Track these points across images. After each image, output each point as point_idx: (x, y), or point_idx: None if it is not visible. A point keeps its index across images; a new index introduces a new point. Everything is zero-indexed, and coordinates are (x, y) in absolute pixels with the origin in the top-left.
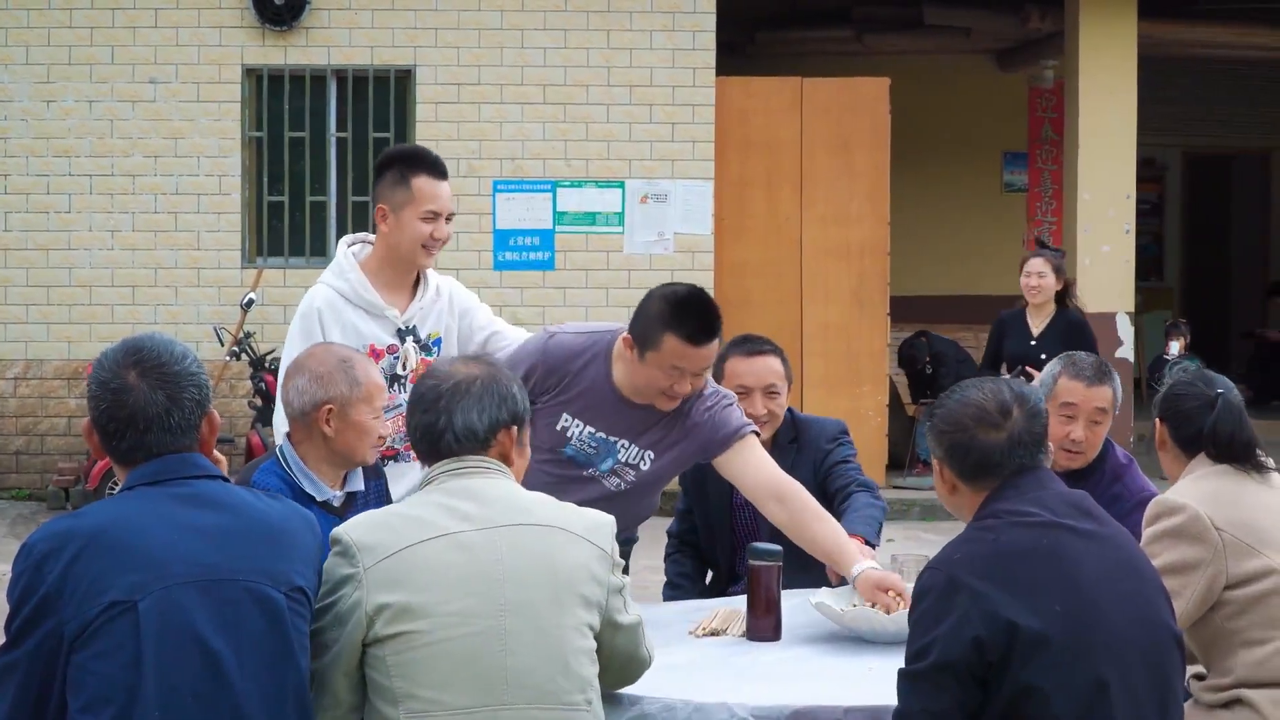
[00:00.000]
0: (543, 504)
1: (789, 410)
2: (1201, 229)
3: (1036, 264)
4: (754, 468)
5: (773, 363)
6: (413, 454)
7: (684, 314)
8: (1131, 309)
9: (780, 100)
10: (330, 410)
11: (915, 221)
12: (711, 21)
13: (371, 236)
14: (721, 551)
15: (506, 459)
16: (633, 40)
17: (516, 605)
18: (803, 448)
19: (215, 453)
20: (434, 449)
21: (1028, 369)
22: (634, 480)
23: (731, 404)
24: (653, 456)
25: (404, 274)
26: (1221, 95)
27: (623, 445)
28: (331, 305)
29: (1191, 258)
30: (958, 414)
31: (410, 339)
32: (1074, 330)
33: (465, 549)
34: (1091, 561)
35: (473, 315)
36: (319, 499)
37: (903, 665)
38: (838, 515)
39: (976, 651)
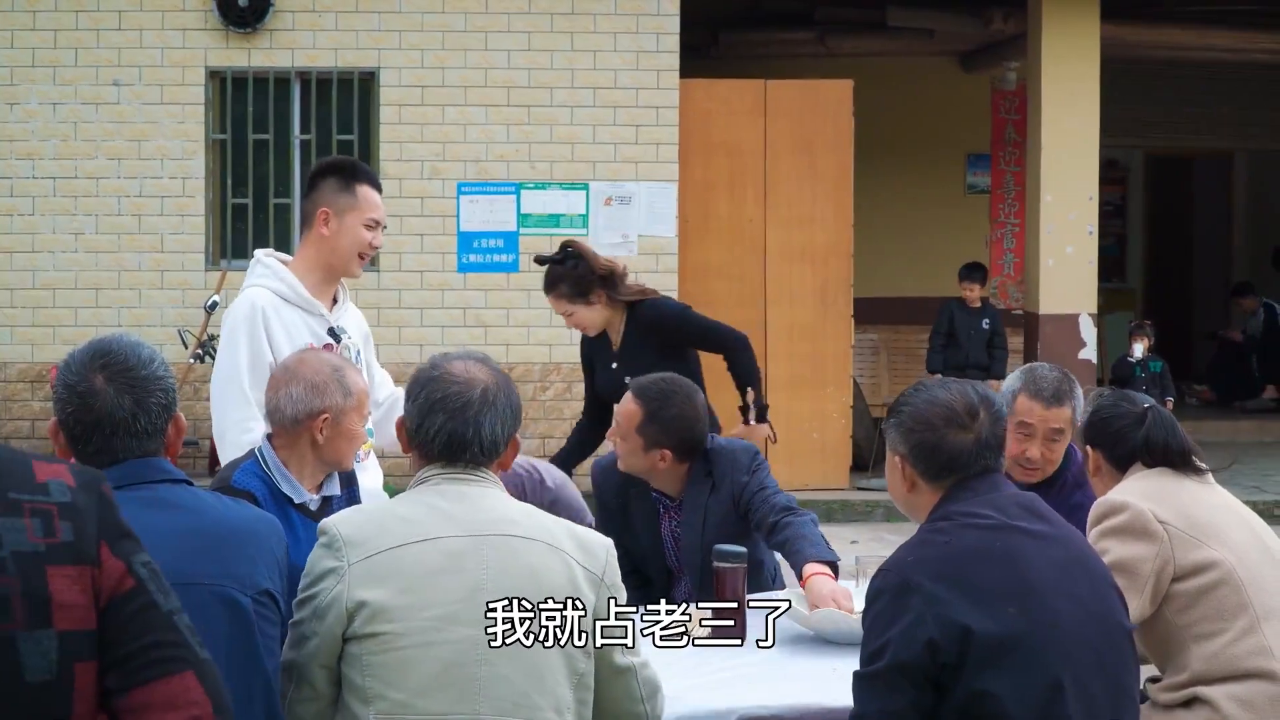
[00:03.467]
0: (532, 516)
1: (710, 438)
2: (1164, 230)
3: (555, 306)
4: None
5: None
6: (361, 453)
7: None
8: (1094, 310)
9: (744, 102)
10: (326, 419)
11: (879, 223)
12: (675, 24)
13: (280, 254)
14: (657, 579)
15: (507, 464)
16: (597, 43)
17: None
18: (718, 482)
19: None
20: (453, 454)
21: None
22: None
23: (557, 500)
24: None
25: (329, 280)
26: (1184, 97)
27: None
28: (273, 305)
29: (1154, 259)
30: (926, 413)
31: (345, 336)
32: (653, 332)
33: (450, 555)
34: (1043, 562)
35: (369, 342)
36: (297, 501)
37: (859, 665)
38: (776, 549)
39: (930, 654)
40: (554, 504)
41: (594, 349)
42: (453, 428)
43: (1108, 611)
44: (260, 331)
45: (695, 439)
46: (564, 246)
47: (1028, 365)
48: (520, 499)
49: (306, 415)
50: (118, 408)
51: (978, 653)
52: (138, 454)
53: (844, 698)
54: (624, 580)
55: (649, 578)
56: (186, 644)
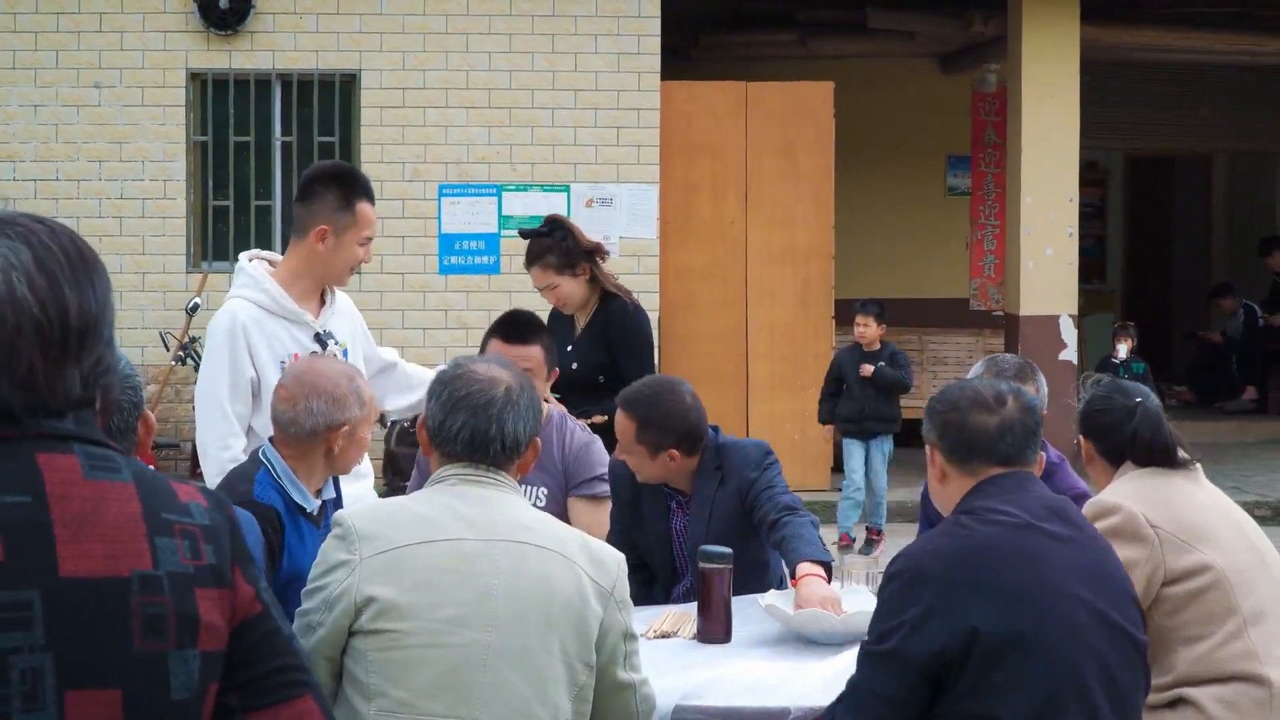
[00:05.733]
0: (546, 525)
1: (714, 432)
2: (1143, 232)
3: (535, 276)
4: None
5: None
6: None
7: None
8: (1075, 311)
9: (725, 104)
10: (345, 430)
11: (859, 224)
12: (656, 26)
13: (266, 253)
14: (661, 575)
15: (526, 467)
16: (578, 44)
17: (504, 621)
18: (727, 476)
19: None
20: (475, 452)
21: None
22: None
23: (590, 442)
24: (545, 491)
25: (316, 287)
26: (1163, 98)
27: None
28: (254, 319)
29: (1134, 260)
30: (955, 396)
31: (331, 342)
32: (615, 333)
33: (464, 557)
34: (1063, 567)
35: (367, 339)
36: (307, 509)
37: (867, 638)
38: (774, 547)
39: (934, 654)
40: (584, 447)
41: (555, 326)
42: (475, 424)
43: (1124, 624)
44: (241, 347)
45: (693, 429)
46: (549, 220)
47: (990, 355)
48: (558, 437)
49: (327, 428)
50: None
51: (982, 652)
52: None
53: (827, 698)
54: (630, 573)
55: (654, 575)
56: (305, 668)
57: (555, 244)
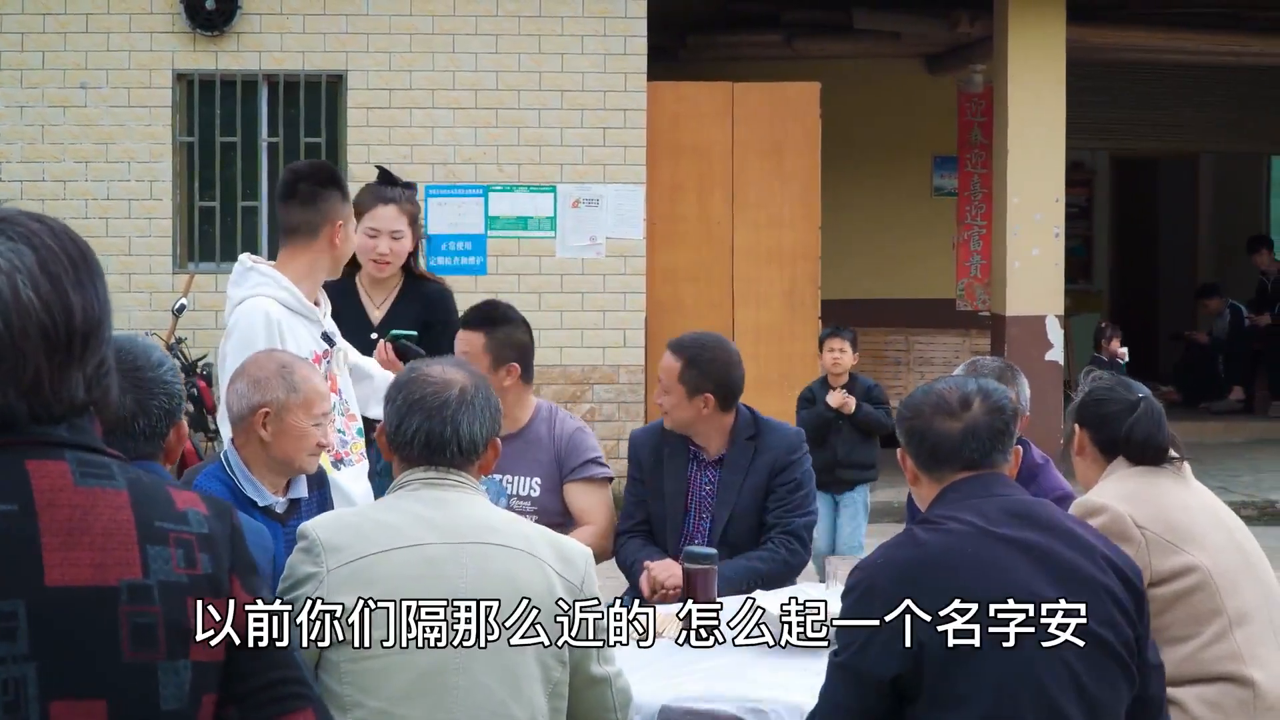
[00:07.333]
0: (513, 524)
1: (748, 408)
2: (1130, 232)
3: (386, 215)
4: (586, 512)
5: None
6: (354, 458)
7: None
8: (1061, 312)
9: (711, 105)
10: (266, 414)
11: (846, 225)
12: (643, 26)
13: (260, 258)
14: (669, 545)
15: (487, 467)
16: (564, 45)
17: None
18: (760, 449)
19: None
20: (432, 455)
21: None
22: (537, 511)
23: (582, 428)
24: (540, 481)
25: (318, 287)
26: (1150, 99)
27: (506, 480)
28: (284, 316)
29: (1120, 260)
30: (919, 402)
31: (338, 340)
32: (437, 316)
33: (429, 562)
34: (1022, 572)
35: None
36: (261, 504)
37: (835, 649)
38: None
39: (887, 667)
40: (577, 431)
41: (347, 311)
42: (430, 427)
43: (1095, 626)
44: (277, 341)
45: (733, 383)
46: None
47: (971, 358)
48: (548, 429)
49: (249, 410)
50: (119, 405)
51: (936, 662)
52: (132, 456)
53: (812, 699)
54: (640, 549)
55: (664, 549)
56: (306, 681)
57: (415, 202)
